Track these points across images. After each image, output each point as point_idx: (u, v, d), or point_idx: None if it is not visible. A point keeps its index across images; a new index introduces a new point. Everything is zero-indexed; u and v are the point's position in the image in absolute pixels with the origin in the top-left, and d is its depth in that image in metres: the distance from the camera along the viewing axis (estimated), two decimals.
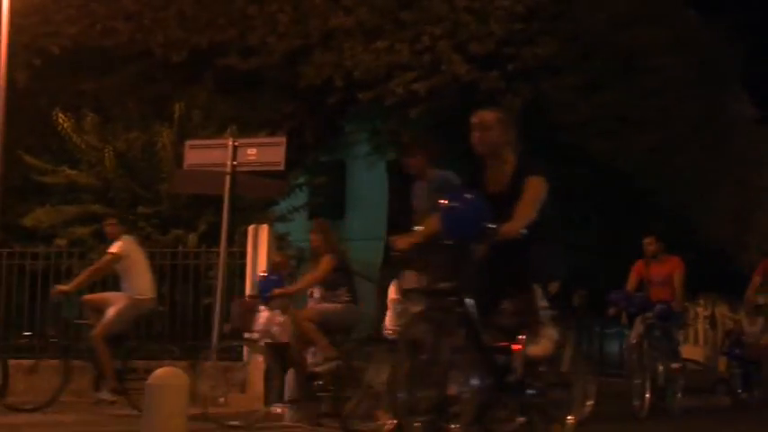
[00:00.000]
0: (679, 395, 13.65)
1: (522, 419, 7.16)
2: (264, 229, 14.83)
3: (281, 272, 13.44)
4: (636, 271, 14.12)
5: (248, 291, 14.23)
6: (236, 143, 14.22)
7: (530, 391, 7.04)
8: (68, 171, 16.70)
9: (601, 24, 18.67)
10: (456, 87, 17.58)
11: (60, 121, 16.68)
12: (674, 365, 13.41)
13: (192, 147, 14.88)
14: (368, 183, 25.49)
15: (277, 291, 11.21)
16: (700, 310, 51.23)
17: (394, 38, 17.68)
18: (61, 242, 16.04)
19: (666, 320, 13.62)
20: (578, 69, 18.19)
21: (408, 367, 6.74)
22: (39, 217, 16.58)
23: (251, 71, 18.42)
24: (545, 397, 7.20)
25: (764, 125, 29.85)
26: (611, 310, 13.83)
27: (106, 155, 16.14)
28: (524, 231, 6.90)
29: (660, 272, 14.03)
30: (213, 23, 18.43)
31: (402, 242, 7.44)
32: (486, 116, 7.57)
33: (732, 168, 24.93)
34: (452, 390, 6.73)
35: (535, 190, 7.25)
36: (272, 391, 12.05)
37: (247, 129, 16.64)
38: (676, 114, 20.78)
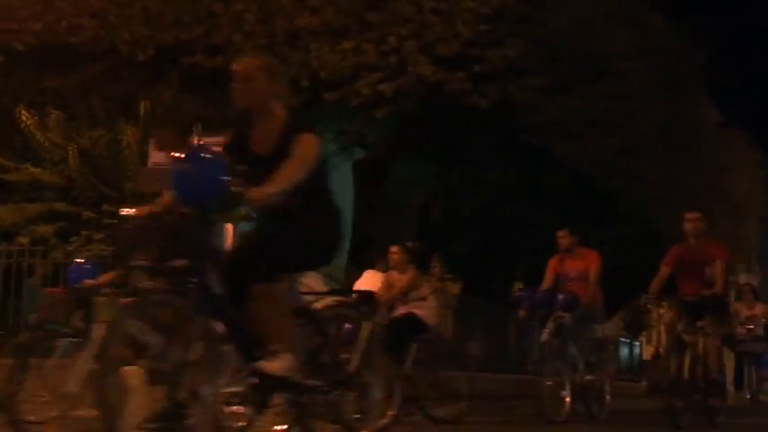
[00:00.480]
0: (608, 398, 13.38)
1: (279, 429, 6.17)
2: (229, 229, 14.78)
3: None
4: (551, 267, 13.60)
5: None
6: (202, 142, 14.14)
7: (291, 395, 6.07)
8: (31, 169, 16.58)
9: (567, 27, 18.75)
10: (422, 88, 17.59)
11: (24, 118, 16.56)
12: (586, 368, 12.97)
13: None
14: (334, 183, 25.40)
15: None
16: (662, 311, 51.69)
17: (360, 38, 17.67)
18: (23, 240, 15.92)
19: (584, 318, 13.14)
20: (544, 71, 18.26)
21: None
22: (1, 215, 16.45)
23: (217, 69, 18.34)
24: (318, 399, 6.22)
25: (728, 129, 30.13)
26: (521, 312, 13.38)
27: (70, 153, 16.03)
28: (279, 197, 5.77)
29: (575, 267, 13.52)
30: (179, 21, 18.34)
31: (137, 210, 6.38)
32: (248, 63, 6.54)
33: (697, 172, 25.10)
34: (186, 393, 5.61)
35: (304, 149, 6.16)
36: None
37: (212, 127, 16.57)
38: (641, 117, 20.92)
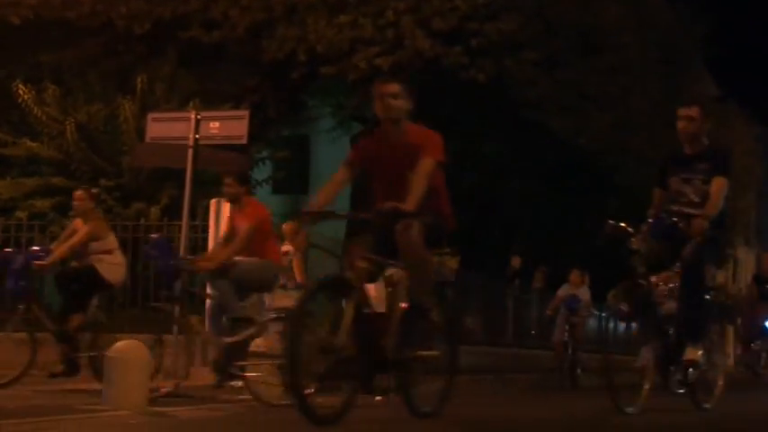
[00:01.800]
0: None
1: None
2: (227, 203, 14.82)
3: None
4: (229, 219, 11.93)
5: None
6: (199, 116, 14.15)
7: None
8: (29, 143, 16.60)
9: (564, 1, 18.75)
10: (419, 62, 17.61)
11: (21, 92, 16.56)
12: None
13: (155, 120, 14.80)
14: (332, 157, 25.36)
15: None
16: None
17: (357, 12, 17.68)
18: (21, 215, 15.95)
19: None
20: (541, 45, 18.28)
21: None
22: None
23: (214, 44, 18.36)
24: None
25: (726, 103, 30.13)
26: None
27: (67, 127, 16.05)
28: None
29: (240, 223, 11.24)
30: None
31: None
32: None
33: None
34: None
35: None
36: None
37: (210, 102, 16.60)
38: (637, 92, 20.95)
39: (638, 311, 8.81)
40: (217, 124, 14.13)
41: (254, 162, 17.64)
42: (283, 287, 12.26)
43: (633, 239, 8.79)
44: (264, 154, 19.21)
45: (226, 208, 14.66)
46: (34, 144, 16.59)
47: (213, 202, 14.84)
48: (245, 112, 14.93)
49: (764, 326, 16.18)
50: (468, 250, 22.63)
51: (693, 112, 9.33)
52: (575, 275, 17.81)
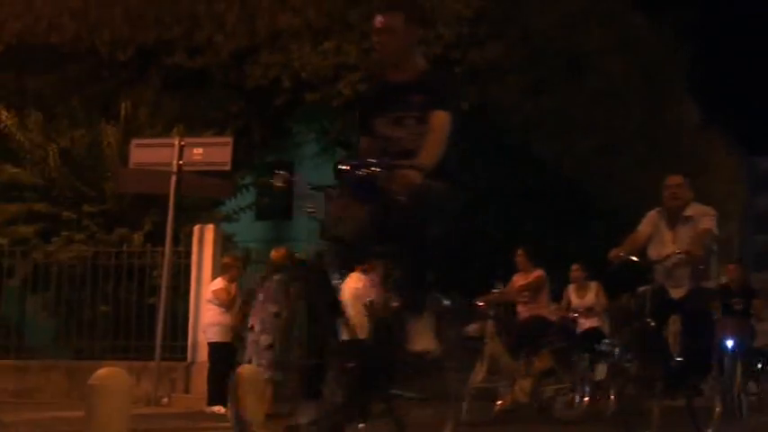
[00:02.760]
0: None
1: None
2: (210, 229, 14.78)
3: (231, 274, 13.46)
4: None
5: (193, 291, 14.23)
6: (183, 142, 14.15)
7: None
8: (11, 169, 16.50)
9: (547, 28, 18.81)
10: None
11: (3, 118, 16.49)
12: None
13: (138, 145, 14.80)
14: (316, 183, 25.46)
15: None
16: None
17: (342, 38, 17.70)
18: (3, 241, 15.86)
19: None
20: (525, 72, 18.31)
21: None
22: None
23: (198, 70, 18.36)
24: None
25: (709, 129, 30.23)
26: None
27: (50, 153, 15.98)
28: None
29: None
30: (160, 21, 18.34)
31: None
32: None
33: (676, 170, 25.16)
34: None
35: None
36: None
37: (194, 128, 16.57)
38: (621, 117, 20.99)
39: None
40: (200, 150, 14.13)
41: (237, 188, 17.59)
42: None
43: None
44: (248, 180, 19.17)
45: (209, 234, 14.66)
46: (17, 170, 16.50)
47: (196, 228, 14.81)
48: (228, 139, 14.94)
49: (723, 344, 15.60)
50: (450, 275, 22.53)
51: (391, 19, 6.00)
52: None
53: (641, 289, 9.27)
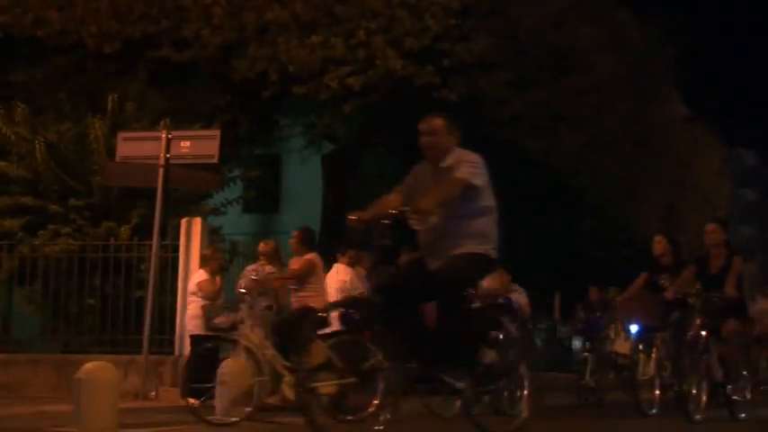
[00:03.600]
0: None
1: None
2: (197, 223, 14.76)
3: (212, 266, 13.43)
4: None
5: (180, 285, 14.20)
6: (170, 135, 14.12)
7: None
8: None
9: (535, 22, 18.82)
10: (391, 82, 17.62)
11: None
12: None
13: (125, 139, 14.75)
14: (303, 177, 25.50)
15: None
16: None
17: (329, 32, 17.68)
18: None
19: None
20: (512, 66, 18.32)
21: None
22: None
23: (185, 63, 18.31)
24: None
25: (696, 124, 30.33)
26: None
27: (37, 146, 15.93)
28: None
29: None
30: (146, 15, 18.28)
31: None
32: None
33: (662, 166, 25.27)
34: None
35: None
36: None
37: (181, 121, 16.53)
38: (608, 112, 21.04)
39: None
40: (188, 143, 14.10)
41: (224, 181, 17.58)
42: (270, 308, 12.24)
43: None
44: (235, 173, 19.16)
45: (196, 227, 14.64)
46: (3, 163, 16.44)
47: (184, 221, 14.79)
48: (216, 132, 14.90)
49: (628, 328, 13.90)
50: None
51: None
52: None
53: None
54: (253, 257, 14.18)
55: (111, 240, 15.40)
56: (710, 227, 11.95)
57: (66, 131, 16.60)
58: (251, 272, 12.59)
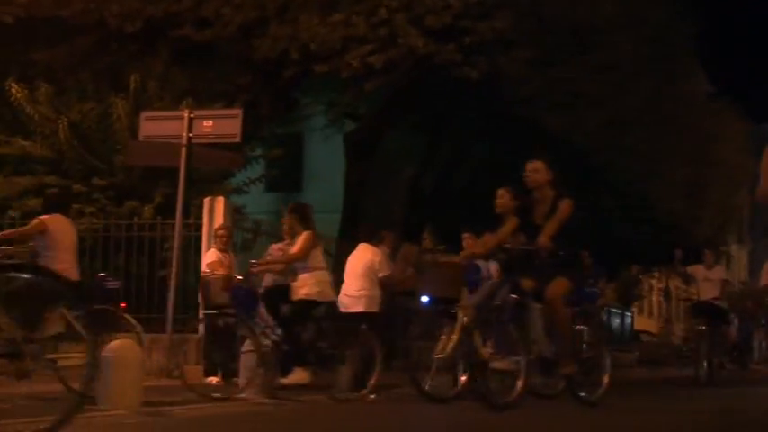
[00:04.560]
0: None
1: None
2: (220, 202, 14.83)
3: (217, 244, 13.52)
4: None
5: (204, 262, 14.25)
6: (192, 115, 14.16)
7: None
8: (22, 142, 16.57)
9: (555, 0, 18.76)
10: (412, 60, 17.59)
11: (13, 91, 16.52)
12: None
13: (148, 118, 14.81)
14: (325, 155, 25.53)
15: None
16: (654, 282, 52.03)
17: (350, 10, 17.65)
18: (14, 214, 15.92)
19: None
20: (533, 43, 18.26)
21: None
22: None
23: (206, 43, 18.33)
24: None
25: (718, 100, 30.18)
26: None
27: (60, 126, 16.02)
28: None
29: None
30: None
31: None
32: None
33: (685, 143, 25.16)
34: None
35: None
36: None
37: (203, 100, 16.59)
38: (629, 89, 20.94)
39: None
40: (210, 123, 14.13)
41: (247, 160, 17.63)
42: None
43: None
44: (258, 152, 19.21)
45: (219, 206, 14.70)
46: (27, 143, 16.56)
47: (207, 200, 14.85)
48: (238, 111, 14.94)
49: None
50: (461, 248, 22.63)
51: None
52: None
53: None
54: (276, 236, 14.24)
55: (135, 220, 15.49)
56: (531, 165, 10.16)
57: (89, 111, 16.69)
58: (276, 250, 12.67)
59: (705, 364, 15.93)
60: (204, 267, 13.35)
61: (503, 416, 8.74)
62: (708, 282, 16.88)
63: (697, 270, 17.15)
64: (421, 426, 8.68)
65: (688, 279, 17.83)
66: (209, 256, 13.47)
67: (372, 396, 11.14)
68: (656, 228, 25.73)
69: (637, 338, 40.40)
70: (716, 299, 16.71)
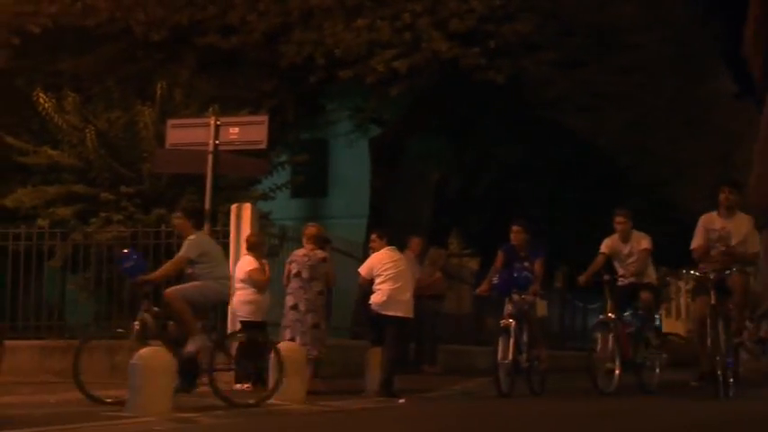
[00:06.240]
0: (657, 371, 13.34)
1: None
2: (247, 208, 14.86)
3: (260, 250, 13.56)
4: None
5: (232, 270, 14.29)
6: (219, 122, 14.23)
7: None
8: (50, 151, 16.65)
9: (579, 1, 18.73)
10: (436, 64, 17.62)
11: (41, 100, 16.62)
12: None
13: (174, 126, 14.89)
14: (350, 161, 25.58)
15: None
16: (681, 284, 51.76)
17: (374, 15, 17.69)
18: (43, 223, 16.02)
19: None
20: (557, 46, 18.26)
21: None
22: (20, 197, 16.53)
23: (231, 50, 18.41)
24: None
25: (743, 100, 30.00)
26: None
27: (87, 135, 16.10)
28: None
29: None
30: (193, 2, 18.39)
31: None
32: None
33: (711, 143, 25.07)
34: None
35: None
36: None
37: (228, 107, 16.64)
38: (654, 91, 20.88)
39: None
40: (236, 129, 14.21)
41: (272, 166, 17.69)
42: (322, 293, 12.51)
43: None
44: (283, 158, 19.26)
45: (246, 213, 14.76)
46: (55, 152, 16.64)
47: (234, 207, 14.90)
48: (263, 117, 14.99)
49: None
50: (488, 251, 22.70)
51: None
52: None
53: None
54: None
55: (162, 227, 15.56)
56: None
57: (116, 119, 16.77)
58: (301, 256, 12.69)
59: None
60: (241, 275, 13.38)
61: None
62: None
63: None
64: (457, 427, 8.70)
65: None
66: (248, 263, 13.44)
67: (402, 401, 11.17)
68: (682, 228, 25.64)
69: (665, 341, 40.13)
70: None
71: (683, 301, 55.44)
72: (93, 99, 17.56)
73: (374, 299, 12.19)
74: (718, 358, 11.35)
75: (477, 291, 13.88)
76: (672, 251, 26.80)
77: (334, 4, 17.92)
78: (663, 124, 21.76)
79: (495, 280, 12.81)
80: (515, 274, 12.51)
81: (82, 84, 18.15)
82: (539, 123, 19.60)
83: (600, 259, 13.23)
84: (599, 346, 12.73)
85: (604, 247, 13.36)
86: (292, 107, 19.77)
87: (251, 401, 10.25)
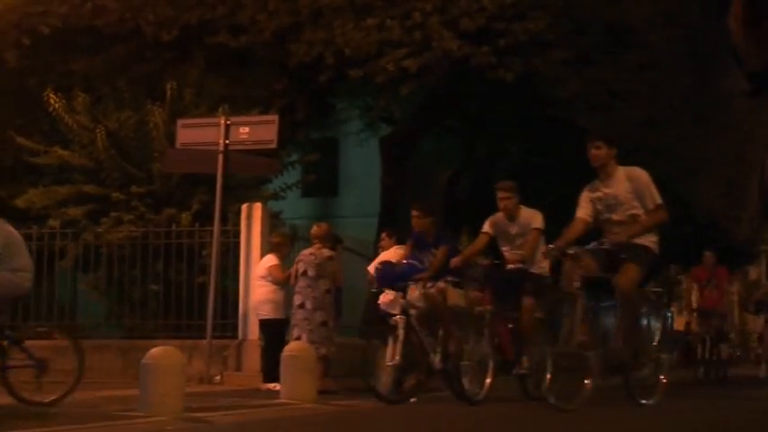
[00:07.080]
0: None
1: None
2: (258, 208, 14.87)
3: (282, 252, 13.60)
4: None
5: (242, 270, 14.31)
6: (229, 122, 14.24)
7: None
8: (60, 151, 16.68)
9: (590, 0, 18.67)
10: (447, 63, 17.56)
11: (51, 101, 16.64)
12: None
13: (185, 126, 14.91)
14: (360, 160, 25.55)
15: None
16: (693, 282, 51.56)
17: (384, 14, 17.63)
18: (54, 223, 16.05)
19: None
20: (568, 44, 18.19)
21: None
22: (31, 198, 16.57)
23: (241, 49, 18.38)
24: None
25: (756, 98, 29.94)
26: None
27: (98, 135, 16.12)
28: None
29: None
30: (202, 1, 18.36)
31: None
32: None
33: (724, 141, 24.99)
34: None
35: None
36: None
37: (238, 107, 16.64)
38: (666, 89, 20.80)
39: None
40: (246, 129, 14.22)
41: (283, 166, 17.68)
42: (329, 291, 12.50)
43: None
44: (293, 157, 19.26)
45: (257, 212, 14.75)
46: (65, 152, 16.66)
47: (244, 206, 14.90)
48: (274, 117, 15.00)
49: None
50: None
51: None
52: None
53: None
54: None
55: (173, 227, 15.57)
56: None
57: (127, 119, 16.79)
58: (307, 255, 12.70)
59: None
60: (262, 271, 13.44)
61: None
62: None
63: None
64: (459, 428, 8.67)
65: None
66: (269, 260, 13.55)
67: (413, 399, 11.14)
68: (694, 227, 25.57)
69: (677, 339, 39.99)
70: None
71: (694, 298, 55.23)
72: (104, 99, 17.58)
73: (383, 298, 12.13)
74: None
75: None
76: (685, 249, 26.64)
77: (343, 4, 17.87)
78: (675, 122, 21.67)
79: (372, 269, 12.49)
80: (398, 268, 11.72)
81: (92, 84, 18.16)
82: (550, 122, 19.52)
83: (482, 239, 11.80)
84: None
85: (487, 225, 11.84)
86: (302, 106, 19.74)
87: (45, 401, 9.80)
